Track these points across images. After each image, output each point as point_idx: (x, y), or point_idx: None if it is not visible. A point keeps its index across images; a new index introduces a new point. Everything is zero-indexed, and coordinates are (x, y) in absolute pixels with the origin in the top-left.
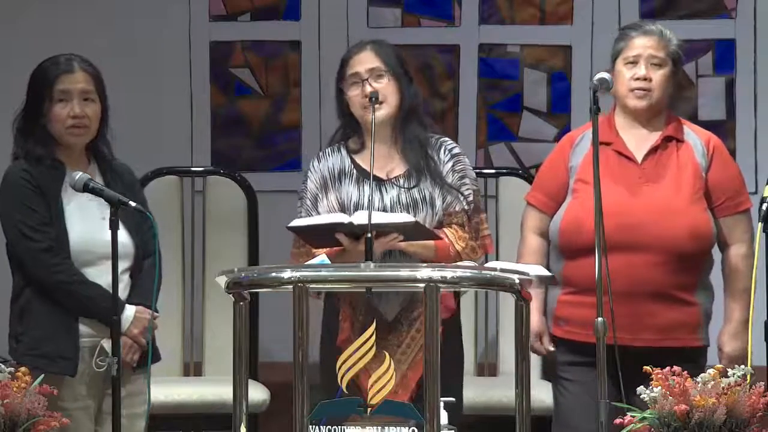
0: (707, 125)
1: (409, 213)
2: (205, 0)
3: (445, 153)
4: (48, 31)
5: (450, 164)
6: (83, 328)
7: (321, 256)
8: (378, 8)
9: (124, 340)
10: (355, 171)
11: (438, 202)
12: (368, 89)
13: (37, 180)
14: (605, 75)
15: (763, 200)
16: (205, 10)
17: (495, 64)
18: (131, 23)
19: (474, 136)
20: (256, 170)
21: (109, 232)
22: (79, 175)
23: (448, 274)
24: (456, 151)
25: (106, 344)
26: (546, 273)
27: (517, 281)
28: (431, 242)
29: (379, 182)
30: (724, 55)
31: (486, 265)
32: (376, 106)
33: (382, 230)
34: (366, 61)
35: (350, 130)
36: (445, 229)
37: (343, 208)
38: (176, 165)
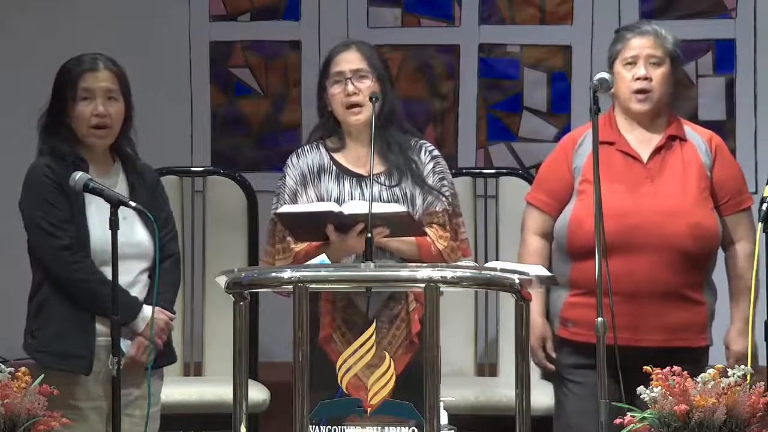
0: (707, 125)
1: None
2: (205, 0)
3: (425, 154)
4: (48, 31)
5: (430, 165)
6: (100, 327)
7: (321, 256)
8: (378, 8)
9: (141, 341)
10: (335, 168)
11: (418, 201)
12: (350, 88)
13: (59, 177)
14: (605, 75)
15: (763, 200)
16: (205, 10)
17: (495, 64)
18: (131, 23)
19: (474, 136)
20: (256, 170)
21: (131, 231)
22: (79, 175)
23: (448, 274)
24: (435, 153)
25: (123, 344)
26: (546, 273)
27: (517, 281)
28: (413, 240)
29: (360, 179)
30: (724, 55)
31: (486, 265)
32: (356, 109)
33: (373, 222)
34: (351, 60)
35: (329, 129)
36: (426, 229)
37: None
38: (176, 165)
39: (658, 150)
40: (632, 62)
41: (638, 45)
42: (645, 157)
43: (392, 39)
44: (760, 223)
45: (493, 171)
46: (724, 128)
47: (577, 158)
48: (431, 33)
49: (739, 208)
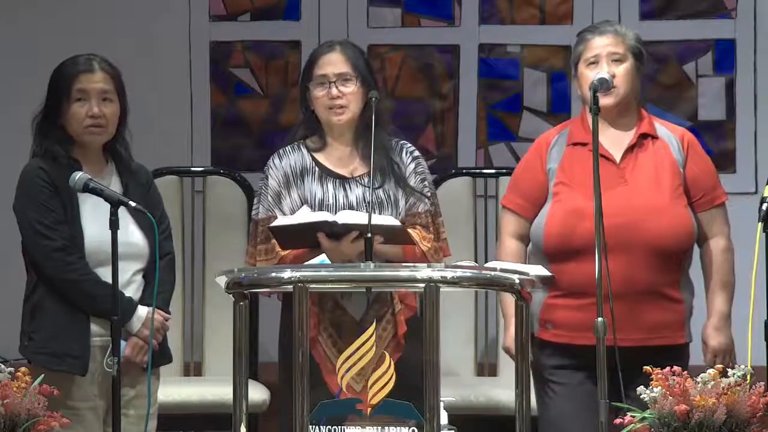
0: (707, 125)
1: (374, 212)
2: (205, 0)
3: (406, 155)
4: (48, 31)
5: (412, 166)
6: (95, 328)
7: (321, 256)
8: (378, 8)
9: (136, 341)
10: (317, 169)
11: (401, 203)
12: (334, 92)
13: (53, 178)
14: (605, 75)
15: (763, 200)
16: (205, 10)
17: (495, 64)
18: (131, 23)
19: (474, 136)
20: (256, 170)
21: (125, 232)
22: (79, 175)
23: (448, 274)
24: (416, 153)
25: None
26: (546, 273)
27: (517, 281)
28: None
29: (343, 180)
30: (724, 55)
31: (486, 265)
32: (340, 110)
33: (366, 230)
34: (335, 63)
35: (311, 128)
36: (409, 230)
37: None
38: (176, 165)
39: (630, 149)
40: (594, 62)
41: (599, 44)
42: (618, 157)
43: (392, 39)
44: (760, 222)
45: (493, 171)
46: (724, 128)
47: (550, 160)
48: (431, 33)
49: (713, 204)
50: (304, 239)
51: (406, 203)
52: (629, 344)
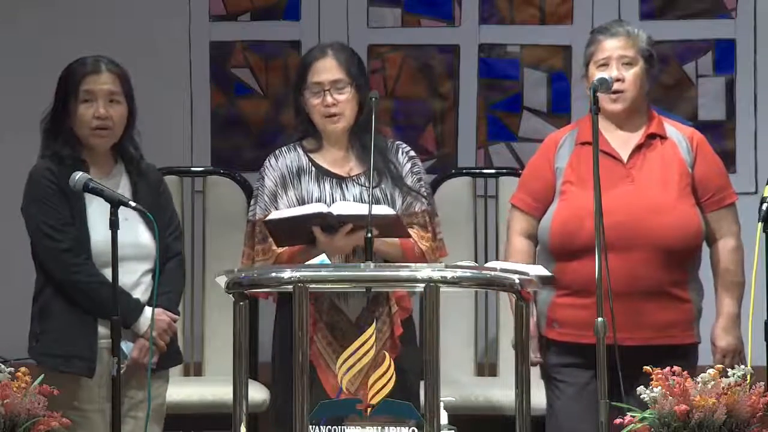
0: (707, 125)
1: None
2: (205, 0)
3: (402, 155)
4: (48, 31)
5: (408, 166)
6: (102, 330)
7: (321, 256)
8: (378, 8)
9: (143, 342)
10: (314, 169)
11: (398, 202)
12: (329, 100)
13: (59, 180)
14: (605, 75)
15: (763, 200)
16: (205, 10)
17: (495, 64)
18: (131, 23)
19: (474, 136)
20: (256, 170)
21: (134, 232)
22: (78, 175)
23: (448, 274)
24: (412, 153)
25: (125, 346)
26: (546, 273)
27: (518, 281)
28: (397, 242)
29: (340, 180)
30: (724, 55)
31: (486, 265)
32: (335, 117)
33: (360, 223)
34: (329, 70)
35: (306, 130)
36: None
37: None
38: (176, 165)
39: (638, 149)
40: (605, 64)
41: (610, 47)
42: (625, 156)
43: (392, 39)
44: (760, 222)
45: (493, 171)
46: (724, 128)
47: (558, 159)
48: (431, 33)
49: (722, 205)
50: (299, 234)
51: (403, 203)
52: (635, 343)
